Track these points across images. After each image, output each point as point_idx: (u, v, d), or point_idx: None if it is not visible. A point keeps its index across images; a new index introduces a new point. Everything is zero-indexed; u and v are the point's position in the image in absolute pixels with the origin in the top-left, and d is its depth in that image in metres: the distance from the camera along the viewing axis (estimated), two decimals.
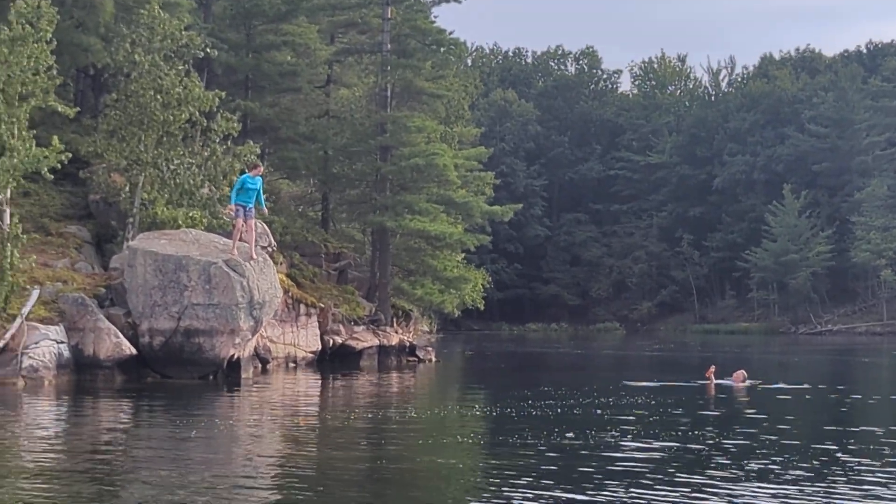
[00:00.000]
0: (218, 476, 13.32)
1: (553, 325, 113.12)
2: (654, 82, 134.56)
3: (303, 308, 35.89)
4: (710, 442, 16.79)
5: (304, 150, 43.98)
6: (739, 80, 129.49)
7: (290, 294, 34.41)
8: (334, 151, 45.81)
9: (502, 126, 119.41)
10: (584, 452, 15.31)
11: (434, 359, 42.27)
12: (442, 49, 48.94)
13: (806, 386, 29.30)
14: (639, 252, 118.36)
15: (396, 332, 42.40)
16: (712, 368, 29.71)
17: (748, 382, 28.92)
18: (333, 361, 37.41)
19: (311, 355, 36.25)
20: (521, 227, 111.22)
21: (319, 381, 30.96)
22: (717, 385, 28.66)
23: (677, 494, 12.19)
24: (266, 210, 30.69)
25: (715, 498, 11.91)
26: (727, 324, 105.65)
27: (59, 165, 28.12)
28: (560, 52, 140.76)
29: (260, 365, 31.91)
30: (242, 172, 30.48)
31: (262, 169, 29.35)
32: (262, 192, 28.26)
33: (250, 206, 27.63)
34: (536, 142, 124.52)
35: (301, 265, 40.41)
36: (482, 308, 52.85)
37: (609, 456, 15.07)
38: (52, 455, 15.18)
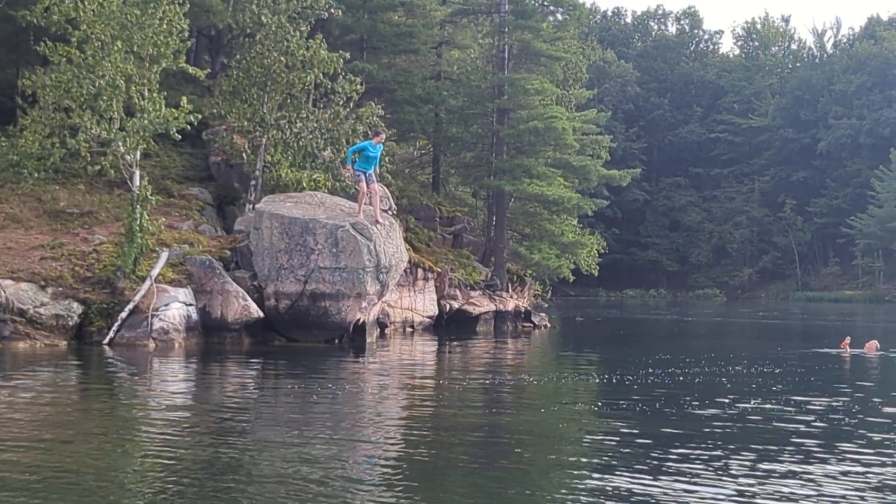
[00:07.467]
0: (339, 436, 13.29)
1: (651, 291, 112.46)
2: (756, 43, 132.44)
3: (420, 272, 35.55)
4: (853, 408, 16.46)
5: (419, 113, 43.61)
6: (845, 41, 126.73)
7: (408, 258, 34.02)
8: (449, 114, 45.43)
9: (601, 87, 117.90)
10: (716, 421, 14.86)
11: (549, 325, 41.82)
12: (560, 10, 48.34)
13: None
14: (740, 217, 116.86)
15: (512, 298, 41.93)
16: (847, 340, 29.79)
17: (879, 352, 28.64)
18: (450, 326, 37.17)
19: (427, 320, 35.99)
20: (620, 192, 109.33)
21: (436, 347, 30.69)
22: (852, 355, 28.25)
23: (817, 460, 11.90)
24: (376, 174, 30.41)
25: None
26: (830, 291, 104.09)
27: (188, 126, 28.03)
28: (660, 11, 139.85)
29: (378, 329, 31.71)
30: (366, 136, 30.29)
31: (384, 136, 29.09)
32: (379, 158, 28.17)
33: (370, 171, 27.53)
34: (635, 104, 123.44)
35: (417, 229, 40.08)
36: (596, 273, 52.16)
37: (742, 423, 14.81)
38: (181, 414, 15.29)
